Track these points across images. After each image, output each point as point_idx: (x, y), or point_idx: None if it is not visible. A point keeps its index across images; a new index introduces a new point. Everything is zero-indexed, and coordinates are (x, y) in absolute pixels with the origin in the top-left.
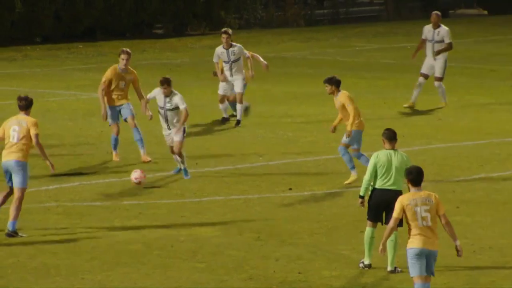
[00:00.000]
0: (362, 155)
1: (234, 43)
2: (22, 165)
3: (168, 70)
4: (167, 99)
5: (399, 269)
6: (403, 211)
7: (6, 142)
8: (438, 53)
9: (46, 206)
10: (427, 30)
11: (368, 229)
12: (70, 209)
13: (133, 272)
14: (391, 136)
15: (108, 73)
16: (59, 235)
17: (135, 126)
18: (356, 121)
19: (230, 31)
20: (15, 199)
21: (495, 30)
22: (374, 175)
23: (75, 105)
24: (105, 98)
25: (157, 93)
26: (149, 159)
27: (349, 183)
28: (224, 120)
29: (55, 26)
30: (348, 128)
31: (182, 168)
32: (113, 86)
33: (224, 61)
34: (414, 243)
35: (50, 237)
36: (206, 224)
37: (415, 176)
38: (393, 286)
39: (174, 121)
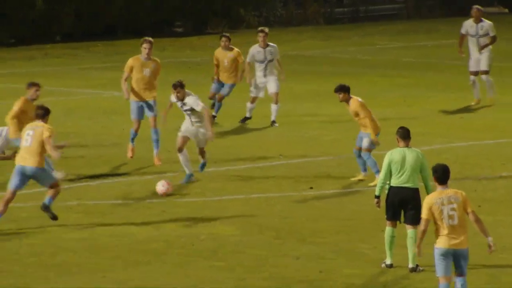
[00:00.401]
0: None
1: (270, 43)
2: (43, 170)
3: (187, 69)
4: (182, 102)
5: (421, 268)
6: (431, 210)
7: (21, 147)
8: (483, 47)
9: (68, 205)
10: (469, 25)
11: (388, 229)
12: (91, 208)
13: (154, 270)
14: (405, 134)
15: (130, 61)
16: (81, 233)
17: (155, 127)
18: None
19: (267, 30)
20: (54, 191)
21: None
22: (389, 174)
23: (95, 103)
24: (128, 89)
25: (173, 97)
26: (159, 162)
27: (374, 185)
28: (245, 119)
29: (75, 25)
30: (372, 137)
31: (202, 161)
32: (137, 76)
33: (259, 61)
34: (440, 243)
35: (72, 235)
36: (227, 222)
37: (440, 174)
38: (414, 285)
39: (196, 120)
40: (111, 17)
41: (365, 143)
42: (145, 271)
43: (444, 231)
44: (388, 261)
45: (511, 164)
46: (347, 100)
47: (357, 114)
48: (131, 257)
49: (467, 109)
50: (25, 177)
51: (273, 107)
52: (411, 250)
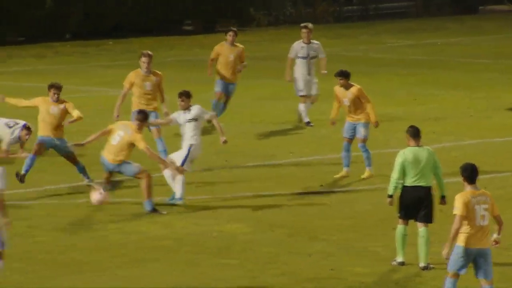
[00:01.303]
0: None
1: (313, 40)
2: (120, 165)
3: (195, 67)
4: (187, 112)
5: (432, 266)
6: (467, 208)
7: (109, 140)
8: None
9: (77, 203)
10: None
11: (400, 227)
12: (100, 206)
13: (164, 268)
14: (415, 133)
15: (130, 76)
16: (90, 231)
17: (159, 136)
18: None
19: (310, 25)
20: (144, 183)
21: None
22: (402, 173)
23: (103, 101)
24: (119, 106)
25: (177, 116)
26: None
27: (366, 177)
28: (308, 124)
29: (84, 23)
30: (374, 119)
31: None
32: (138, 90)
33: (302, 57)
34: (466, 242)
35: (81, 233)
36: (237, 220)
37: (470, 173)
38: (426, 283)
39: (191, 134)
40: (120, 15)
41: (363, 133)
42: (155, 269)
43: (472, 230)
44: (399, 259)
45: None
46: (346, 86)
47: (356, 100)
48: (140, 255)
49: (476, 108)
50: (107, 168)
51: (307, 106)
52: (422, 249)
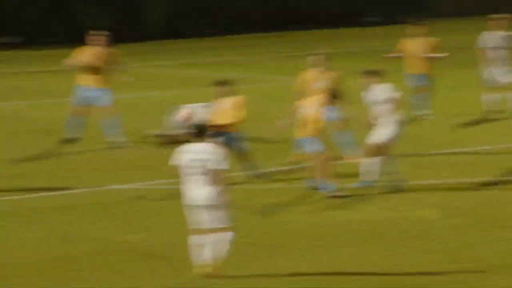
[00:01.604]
0: None
1: (504, 30)
2: (304, 139)
3: (378, 58)
4: (374, 93)
5: None
6: None
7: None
8: None
9: (272, 187)
10: None
11: None
12: (288, 191)
13: (361, 253)
14: None
15: (303, 74)
16: (282, 216)
17: (343, 130)
18: None
19: (502, 15)
20: (324, 165)
21: None
22: None
23: (288, 90)
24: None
25: (367, 96)
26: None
27: None
28: (493, 113)
29: (259, 15)
30: None
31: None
32: (312, 89)
33: (492, 48)
34: None
35: (275, 217)
36: (424, 207)
37: None
38: None
39: (388, 114)
40: (300, 7)
41: None
42: (349, 253)
43: None
44: None
45: None
46: None
47: None
48: (334, 239)
49: None
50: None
51: (494, 97)
52: None
